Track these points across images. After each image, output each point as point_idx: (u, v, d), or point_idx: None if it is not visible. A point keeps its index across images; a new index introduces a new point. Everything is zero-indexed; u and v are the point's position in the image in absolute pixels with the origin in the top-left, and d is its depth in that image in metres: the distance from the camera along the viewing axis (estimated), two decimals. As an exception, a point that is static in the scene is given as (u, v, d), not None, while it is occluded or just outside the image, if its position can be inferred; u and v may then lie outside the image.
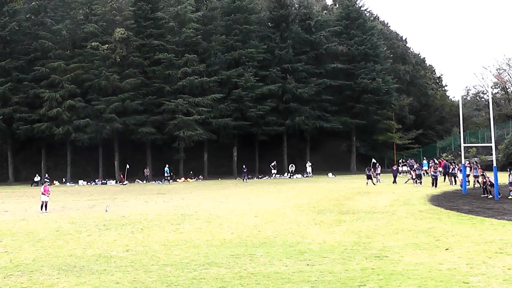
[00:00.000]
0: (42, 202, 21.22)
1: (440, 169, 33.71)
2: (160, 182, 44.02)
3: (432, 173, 29.79)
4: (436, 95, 68.39)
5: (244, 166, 43.62)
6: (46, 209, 21.09)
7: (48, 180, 41.58)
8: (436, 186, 28.33)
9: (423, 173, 34.64)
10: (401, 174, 38.92)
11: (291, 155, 51.99)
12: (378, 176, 36.21)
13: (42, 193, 21.32)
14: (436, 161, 38.61)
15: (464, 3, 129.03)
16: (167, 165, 43.94)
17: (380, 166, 38.18)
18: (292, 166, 47.71)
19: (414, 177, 33.62)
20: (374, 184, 32.00)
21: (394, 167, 36.06)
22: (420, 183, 30.20)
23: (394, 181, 33.41)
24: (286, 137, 52.06)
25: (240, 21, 49.91)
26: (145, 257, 11.19)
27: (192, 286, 8.80)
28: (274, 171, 47.33)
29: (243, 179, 41.99)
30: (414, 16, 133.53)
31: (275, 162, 48.02)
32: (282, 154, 51.70)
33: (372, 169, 34.80)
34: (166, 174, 42.82)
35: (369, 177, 32.77)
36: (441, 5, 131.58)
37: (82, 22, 48.79)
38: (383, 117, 53.73)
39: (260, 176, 47.50)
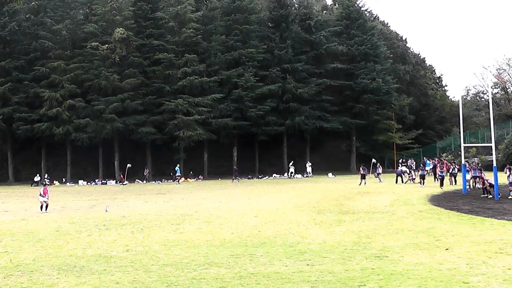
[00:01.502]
0: (41, 203, 21.19)
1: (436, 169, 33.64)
2: (159, 182, 44.15)
3: (439, 173, 29.74)
4: (436, 95, 68.40)
5: (235, 167, 43.89)
6: (46, 210, 21.07)
7: (48, 180, 41.65)
8: (442, 186, 28.29)
9: (426, 173, 34.50)
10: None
11: (291, 155, 52.00)
12: (379, 176, 36.18)
13: (41, 195, 21.27)
14: (436, 160, 38.62)
15: (464, 3, 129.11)
16: (178, 165, 44.10)
17: (381, 166, 38.19)
18: (292, 167, 47.52)
19: (414, 177, 33.61)
20: (360, 184, 31.79)
21: (399, 168, 36.07)
22: (423, 183, 29.99)
23: (396, 181, 33.42)
24: (286, 137, 52.07)
25: (240, 21, 49.93)
26: (145, 257, 11.18)
27: (192, 286, 8.79)
28: (292, 170, 46.95)
29: (233, 179, 42.14)
30: (414, 16, 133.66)
31: (293, 161, 47.66)
32: (282, 154, 51.72)
33: (366, 169, 34.81)
34: (177, 174, 42.91)
35: (363, 177, 32.74)
36: (441, 5, 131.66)
37: (82, 22, 48.84)
38: (383, 117, 53.74)
39: (260, 176, 47.49)
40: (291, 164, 47.38)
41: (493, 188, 22.00)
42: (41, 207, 21.18)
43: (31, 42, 47.34)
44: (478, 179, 26.17)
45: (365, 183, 32.09)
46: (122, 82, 45.76)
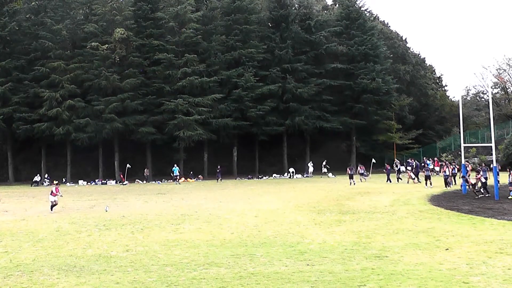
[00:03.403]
0: (52, 202, 20.90)
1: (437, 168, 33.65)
2: (160, 182, 44.12)
3: (443, 173, 29.69)
4: (436, 95, 68.35)
5: (218, 166, 44.27)
6: (51, 209, 20.86)
7: (48, 180, 41.65)
8: (446, 186, 28.23)
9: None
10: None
11: (291, 155, 51.95)
12: (362, 176, 36.55)
13: (52, 194, 21.03)
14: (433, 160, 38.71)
15: (464, 3, 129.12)
16: (175, 165, 44.10)
17: (359, 166, 38.72)
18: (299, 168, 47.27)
19: (414, 176, 33.59)
20: (351, 184, 31.88)
21: (388, 167, 36.18)
22: (430, 184, 29.62)
23: (389, 180, 33.60)
24: (286, 137, 52.06)
25: (240, 21, 49.92)
26: (145, 257, 11.18)
27: (192, 286, 8.80)
28: (324, 169, 46.15)
29: (217, 179, 42.09)
30: (414, 16, 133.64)
31: (326, 161, 47.30)
32: (282, 154, 51.68)
33: (354, 169, 35.10)
34: (174, 174, 42.85)
35: (351, 177, 32.78)
36: (441, 5, 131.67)
37: (82, 22, 48.81)
38: (383, 117, 53.73)
39: (260, 176, 47.48)
40: (324, 164, 46.48)
41: (484, 184, 22.33)
42: (51, 206, 20.93)
43: (31, 42, 47.32)
44: (477, 178, 26.07)
45: (351, 183, 32.09)
46: (122, 82, 45.75)
